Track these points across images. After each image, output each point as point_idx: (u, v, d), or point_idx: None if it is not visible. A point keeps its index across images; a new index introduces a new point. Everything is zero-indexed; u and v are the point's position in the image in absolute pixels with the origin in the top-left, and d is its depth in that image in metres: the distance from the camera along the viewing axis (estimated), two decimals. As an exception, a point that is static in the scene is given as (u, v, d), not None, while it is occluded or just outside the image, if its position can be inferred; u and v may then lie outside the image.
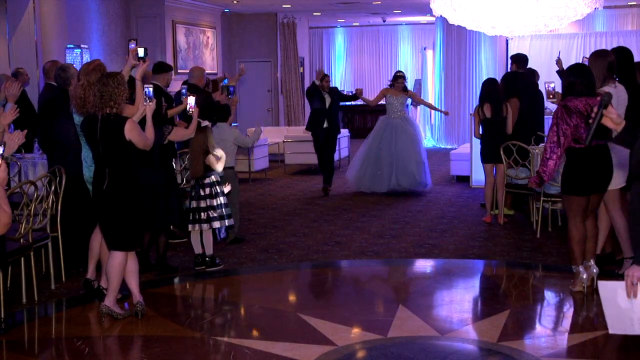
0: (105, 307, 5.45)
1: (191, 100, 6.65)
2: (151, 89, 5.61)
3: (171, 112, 7.18)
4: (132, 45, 6.65)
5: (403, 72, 11.37)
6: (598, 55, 6.29)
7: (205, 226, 6.79)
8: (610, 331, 3.50)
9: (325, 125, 11.26)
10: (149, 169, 6.20)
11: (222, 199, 6.81)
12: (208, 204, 6.76)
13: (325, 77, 11.42)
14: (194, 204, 6.78)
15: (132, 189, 5.37)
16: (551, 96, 6.71)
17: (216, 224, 6.82)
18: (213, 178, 6.79)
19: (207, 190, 6.76)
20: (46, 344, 5.22)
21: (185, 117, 7.57)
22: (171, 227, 7.32)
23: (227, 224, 6.97)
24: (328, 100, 11.28)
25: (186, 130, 6.65)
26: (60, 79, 6.68)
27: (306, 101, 16.24)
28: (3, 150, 3.12)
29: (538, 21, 10.21)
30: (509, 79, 9.13)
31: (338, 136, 11.68)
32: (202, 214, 6.77)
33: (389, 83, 11.42)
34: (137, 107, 5.62)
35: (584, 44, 17.25)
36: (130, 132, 5.25)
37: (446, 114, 13.64)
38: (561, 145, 5.64)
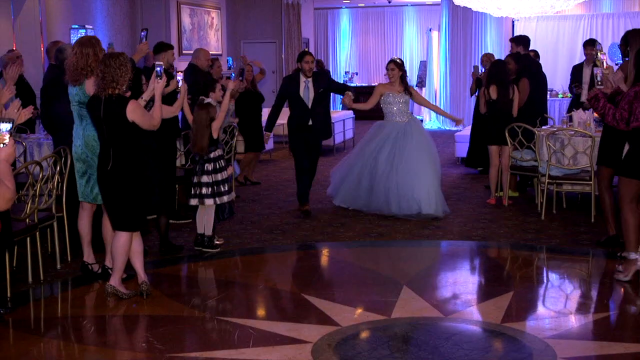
0: (110, 287, 5.48)
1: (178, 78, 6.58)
2: (162, 68, 5.59)
3: (166, 90, 7.13)
4: (143, 34, 6.67)
5: (399, 59, 8.63)
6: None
7: (209, 201, 6.70)
8: None
9: (308, 123, 8.33)
10: None
11: (225, 173, 6.77)
12: (213, 179, 6.68)
13: (306, 56, 8.34)
14: (195, 179, 6.71)
15: (136, 170, 5.36)
16: (599, 84, 6.45)
17: (224, 198, 6.71)
18: (218, 152, 6.74)
19: (212, 165, 6.71)
20: (52, 323, 5.25)
21: (193, 93, 7.56)
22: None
23: (233, 197, 6.93)
24: (311, 92, 8.26)
25: (169, 108, 6.18)
26: (59, 60, 6.73)
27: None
28: (11, 127, 3.17)
29: (544, 2, 10.18)
30: (519, 60, 9.09)
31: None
32: (205, 189, 6.66)
33: (384, 74, 8.75)
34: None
35: (590, 25, 17.15)
36: (133, 112, 5.23)
37: (458, 122, 9.23)
38: (628, 124, 5.65)
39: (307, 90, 8.23)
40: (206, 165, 6.68)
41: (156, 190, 6.44)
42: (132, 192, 5.36)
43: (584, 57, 10.45)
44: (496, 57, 10.58)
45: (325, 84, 8.40)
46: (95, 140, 5.70)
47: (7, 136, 3.15)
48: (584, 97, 10.26)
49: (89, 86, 5.68)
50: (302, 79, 8.25)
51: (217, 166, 6.70)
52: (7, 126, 3.15)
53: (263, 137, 9.64)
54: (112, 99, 5.24)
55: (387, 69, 8.49)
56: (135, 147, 5.35)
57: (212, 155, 6.68)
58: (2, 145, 3.17)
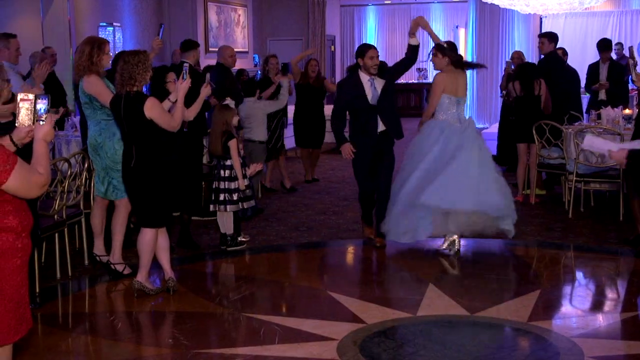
0: (137, 283, 5.51)
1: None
2: (188, 67, 5.59)
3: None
4: (161, 30, 6.71)
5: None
6: None
7: (221, 207, 6.77)
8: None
9: (379, 128, 6.72)
10: None
11: (237, 184, 6.73)
12: (226, 186, 6.73)
13: (370, 50, 6.73)
14: (215, 184, 6.79)
15: (159, 167, 5.37)
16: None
17: (231, 208, 6.73)
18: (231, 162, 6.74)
19: (227, 173, 6.72)
20: (80, 318, 5.31)
21: (217, 93, 7.56)
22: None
23: (245, 206, 6.89)
24: (379, 92, 6.67)
25: (186, 111, 5.72)
26: None
27: (337, 79, 16.05)
28: (47, 105, 3.12)
29: (573, -2, 10.09)
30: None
31: None
32: (221, 195, 6.73)
33: (429, 59, 7.13)
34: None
35: (619, 22, 16.98)
36: (150, 110, 5.21)
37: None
38: None
39: (373, 90, 6.65)
40: (221, 171, 6.71)
41: (179, 187, 6.49)
42: (156, 189, 5.38)
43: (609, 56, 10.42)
44: (525, 55, 10.56)
45: (388, 72, 6.92)
46: (96, 139, 5.79)
47: (44, 116, 3.12)
48: (602, 95, 10.23)
49: (85, 84, 5.75)
50: (365, 78, 6.66)
51: (232, 175, 6.72)
52: (43, 106, 3.11)
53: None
54: (130, 96, 5.26)
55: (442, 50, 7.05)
56: (157, 144, 5.35)
57: (228, 162, 6.70)
58: (41, 122, 3.12)
